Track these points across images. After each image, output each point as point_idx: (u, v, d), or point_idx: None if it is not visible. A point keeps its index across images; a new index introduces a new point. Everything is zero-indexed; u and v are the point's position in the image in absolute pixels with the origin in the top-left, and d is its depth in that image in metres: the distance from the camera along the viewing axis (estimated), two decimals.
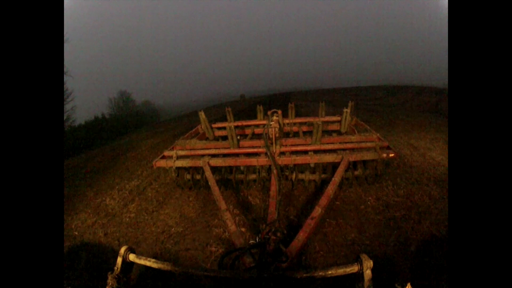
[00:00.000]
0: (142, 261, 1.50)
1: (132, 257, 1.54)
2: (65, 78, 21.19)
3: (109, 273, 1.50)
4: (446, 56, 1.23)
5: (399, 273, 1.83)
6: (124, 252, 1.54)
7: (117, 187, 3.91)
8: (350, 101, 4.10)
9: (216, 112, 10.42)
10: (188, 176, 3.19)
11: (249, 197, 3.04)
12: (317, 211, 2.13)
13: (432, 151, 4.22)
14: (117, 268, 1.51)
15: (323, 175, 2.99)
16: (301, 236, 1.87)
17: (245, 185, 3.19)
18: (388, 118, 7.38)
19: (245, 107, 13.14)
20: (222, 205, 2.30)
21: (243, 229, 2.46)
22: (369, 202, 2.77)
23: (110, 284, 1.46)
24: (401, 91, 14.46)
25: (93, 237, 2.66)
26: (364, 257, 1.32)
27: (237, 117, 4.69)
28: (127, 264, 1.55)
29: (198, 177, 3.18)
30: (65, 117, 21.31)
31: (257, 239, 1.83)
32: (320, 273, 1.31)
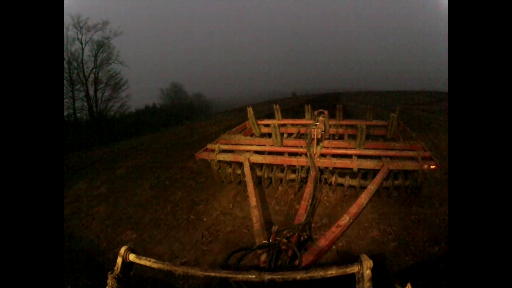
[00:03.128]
0: (142, 261, 1.49)
1: (132, 257, 1.53)
2: (121, 68, 23.54)
3: (109, 273, 1.49)
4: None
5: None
6: (124, 252, 1.53)
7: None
8: (397, 106, 3.97)
9: (267, 109, 10.42)
10: (230, 170, 3.21)
11: (284, 196, 3.05)
12: (345, 219, 2.04)
13: None
14: (117, 268, 1.50)
15: (362, 181, 2.83)
16: (322, 243, 1.83)
17: (283, 184, 3.13)
18: (424, 121, 7.37)
19: (296, 105, 13.45)
20: (253, 201, 2.35)
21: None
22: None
23: (110, 284, 1.45)
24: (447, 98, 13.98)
25: (183, 185, 3.71)
26: (364, 257, 1.32)
27: (288, 113, 4.85)
28: (127, 264, 1.54)
29: (239, 171, 3.17)
30: (119, 104, 23.82)
31: (270, 240, 1.83)
32: (320, 273, 1.30)
